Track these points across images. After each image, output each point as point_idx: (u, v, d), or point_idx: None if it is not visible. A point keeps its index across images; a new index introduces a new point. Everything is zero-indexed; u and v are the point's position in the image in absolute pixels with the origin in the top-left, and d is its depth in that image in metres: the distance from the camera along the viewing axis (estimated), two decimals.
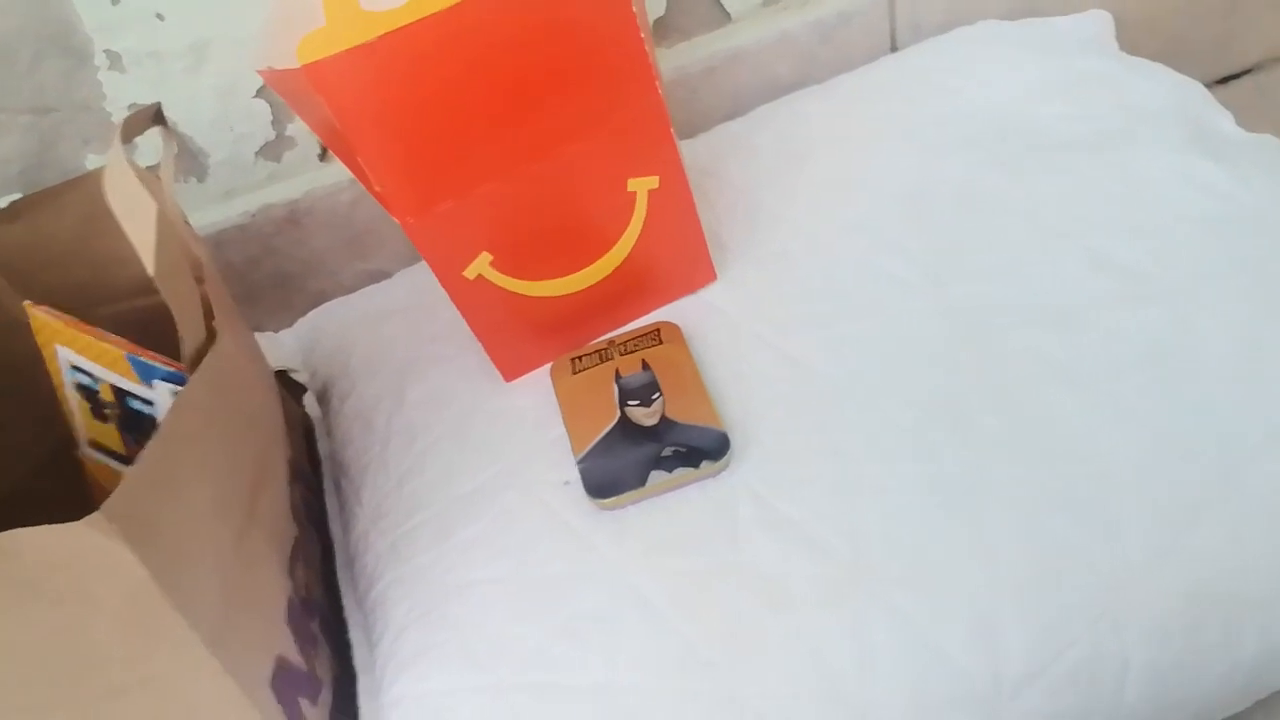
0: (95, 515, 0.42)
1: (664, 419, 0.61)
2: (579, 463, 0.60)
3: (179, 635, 0.47)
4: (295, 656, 0.57)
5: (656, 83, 0.59)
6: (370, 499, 0.66)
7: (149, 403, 0.60)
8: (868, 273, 0.67)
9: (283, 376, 0.82)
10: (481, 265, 0.62)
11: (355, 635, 0.63)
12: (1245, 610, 0.53)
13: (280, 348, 0.84)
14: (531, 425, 0.65)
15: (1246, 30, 1.00)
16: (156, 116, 0.55)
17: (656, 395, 0.62)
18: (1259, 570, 0.53)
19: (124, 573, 0.44)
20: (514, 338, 0.67)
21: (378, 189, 0.57)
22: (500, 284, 0.63)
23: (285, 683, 0.55)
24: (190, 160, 0.79)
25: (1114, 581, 0.52)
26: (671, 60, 0.85)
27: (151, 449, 0.46)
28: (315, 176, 0.83)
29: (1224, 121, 0.74)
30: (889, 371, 0.62)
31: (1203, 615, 0.53)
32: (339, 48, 0.51)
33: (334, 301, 0.84)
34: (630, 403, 0.63)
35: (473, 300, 0.64)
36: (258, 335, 0.83)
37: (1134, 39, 0.84)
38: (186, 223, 0.64)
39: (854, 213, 0.72)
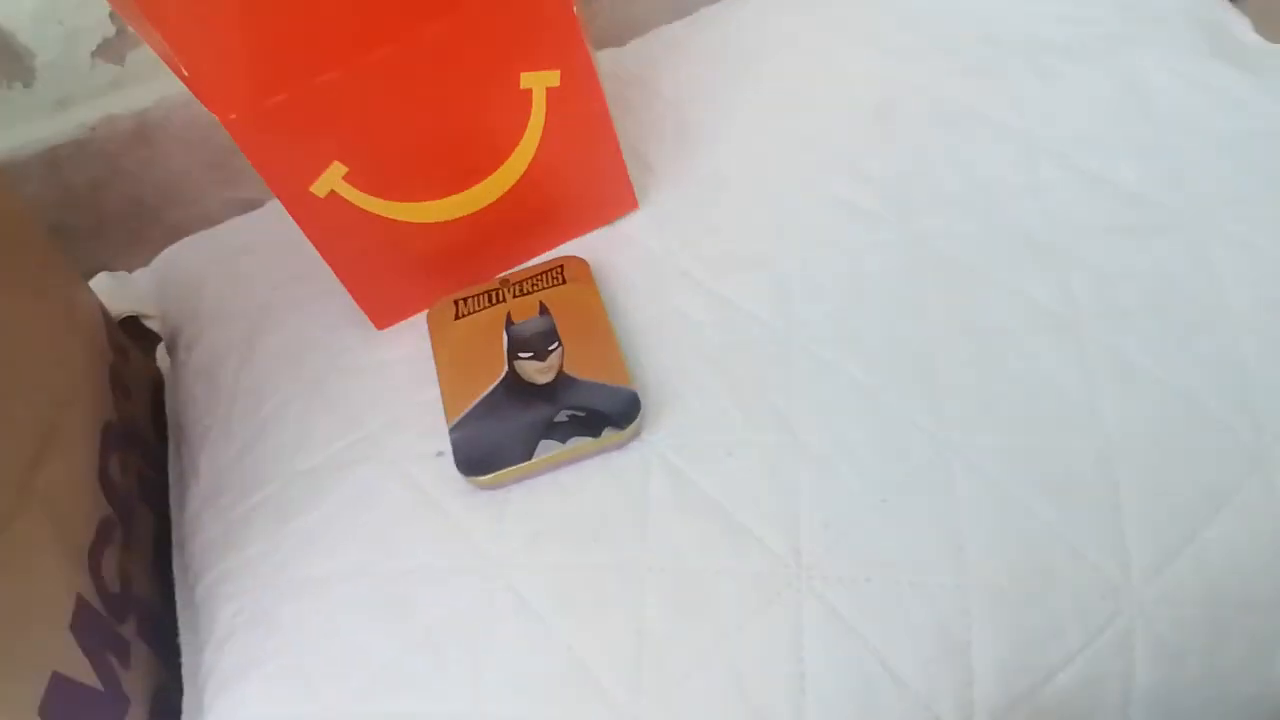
0: None
1: (561, 375, 0.49)
2: (452, 430, 0.48)
3: None
4: (83, 672, 0.45)
5: None
6: (208, 471, 0.54)
7: None
8: (820, 201, 0.55)
9: (133, 324, 0.69)
10: (333, 179, 0.49)
11: (186, 637, 0.51)
12: (1277, 620, 0.42)
13: (132, 289, 0.71)
14: (402, 383, 0.53)
15: None
16: None
17: (554, 346, 0.50)
18: None
19: None
20: (384, 274, 0.54)
21: (185, 74, 0.44)
22: (359, 204, 0.51)
23: (64, 707, 0.43)
24: (12, 62, 0.65)
25: (1116, 586, 0.42)
26: None
27: None
28: (168, 83, 0.68)
29: (1242, 28, 0.62)
30: (842, 319, 0.50)
31: (1225, 627, 0.42)
32: None
33: (195, 235, 0.71)
34: (521, 355, 0.50)
35: (325, 225, 0.51)
36: (107, 275, 0.70)
37: None
38: None
39: (805, 129, 0.59)
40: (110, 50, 0.67)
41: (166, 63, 0.45)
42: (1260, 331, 0.46)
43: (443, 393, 0.50)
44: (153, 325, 0.69)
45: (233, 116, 0.46)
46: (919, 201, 0.54)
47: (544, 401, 0.48)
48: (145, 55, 0.68)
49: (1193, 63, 0.57)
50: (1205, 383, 0.45)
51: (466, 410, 0.49)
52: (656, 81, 0.65)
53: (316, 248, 0.52)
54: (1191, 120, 0.54)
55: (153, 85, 0.68)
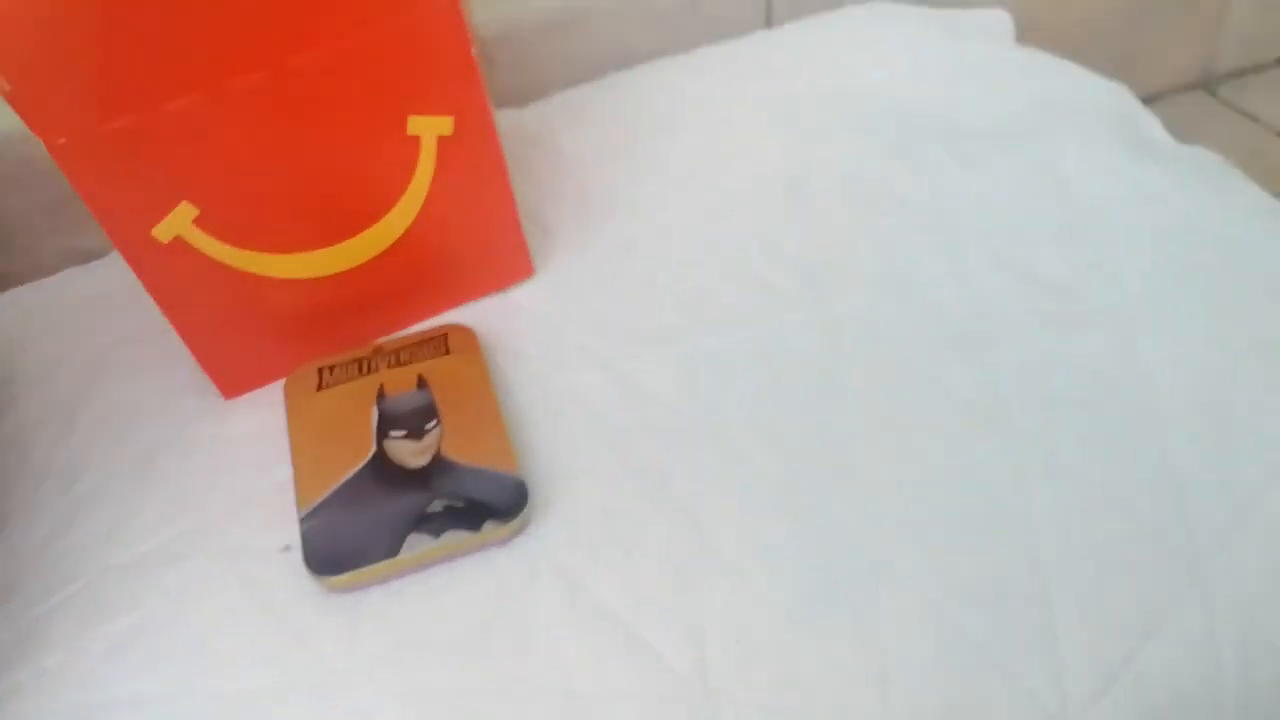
0: None
1: (438, 459, 0.43)
2: (303, 520, 0.41)
3: None
4: None
5: None
6: (2, 562, 0.45)
7: None
8: (731, 274, 0.51)
9: None
10: (180, 222, 0.42)
11: None
12: None
13: None
14: (249, 463, 0.45)
15: (1152, 54, 0.91)
16: None
17: (432, 424, 0.44)
18: (1232, 679, 0.39)
19: None
20: (237, 336, 0.47)
21: (5, 87, 0.37)
22: (210, 253, 0.44)
23: None
24: None
25: (1053, 716, 0.37)
26: (498, 9, 0.68)
27: None
28: (3, 115, 0.60)
29: (1154, 127, 0.62)
30: (755, 403, 0.45)
31: None
32: None
33: (22, 287, 0.62)
34: (393, 433, 0.44)
35: (168, 275, 0.44)
36: None
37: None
38: None
39: (717, 200, 0.56)
40: None
41: None
42: (1193, 434, 0.43)
43: (295, 475, 0.43)
44: None
45: (61, 141, 0.39)
46: (837, 282, 0.50)
47: (416, 489, 0.42)
48: None
49: (1109, 156, 0.56)
50: (1139, 486, 0.42)
51: (323, 497, 0.42)
52: (558, 143, 0.61)
53: (156, 301, 0.45)
54: (1110, 212, 0.52)
55: None
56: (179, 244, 0.43)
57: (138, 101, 0.39)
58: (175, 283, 0.44)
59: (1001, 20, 0.73)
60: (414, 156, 0.46)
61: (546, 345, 0.49)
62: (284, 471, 0.44)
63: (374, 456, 0.43)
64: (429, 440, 0.43)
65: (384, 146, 0.45)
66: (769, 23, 0.75)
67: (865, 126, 0.59)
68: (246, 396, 0.49)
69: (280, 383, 0.48)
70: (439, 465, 0.42)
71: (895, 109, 0.60)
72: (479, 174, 0.48)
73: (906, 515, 0.41)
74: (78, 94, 0.38)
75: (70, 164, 0.40)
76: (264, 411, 0.47)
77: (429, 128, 0.45)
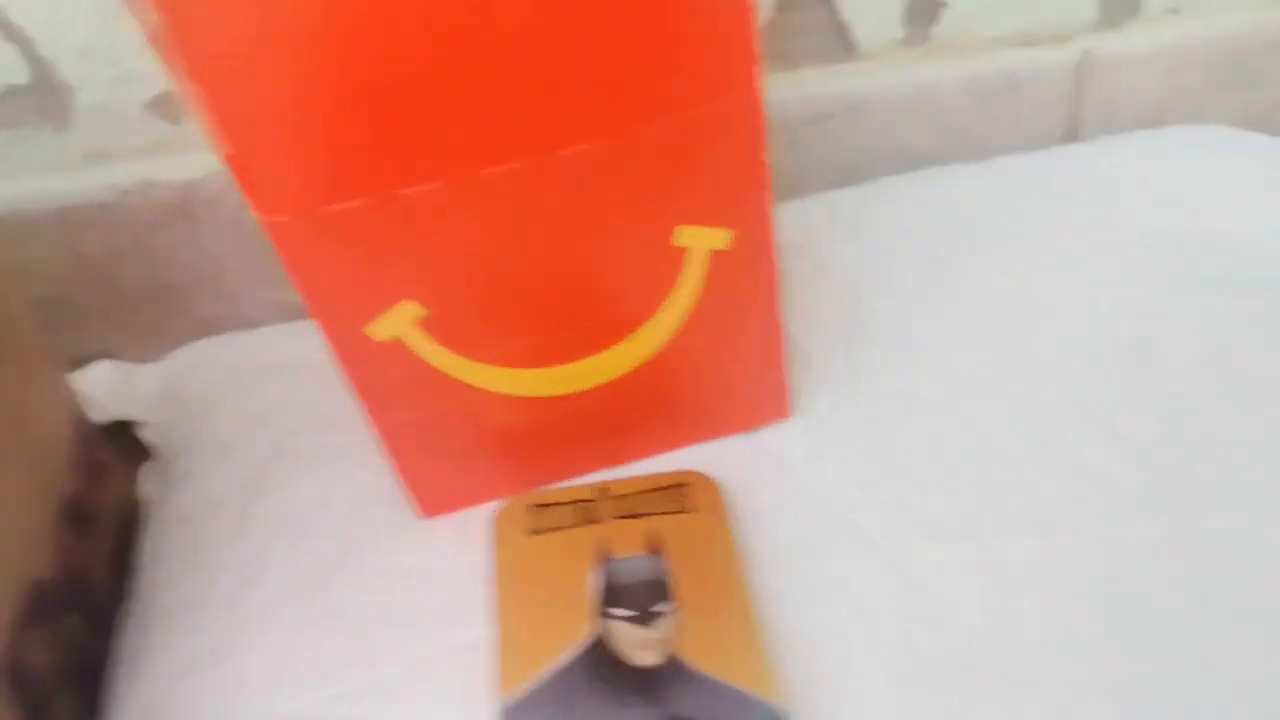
0: None
1: (673, 661, 0.33)
2: (504, 713, 0.32)
3: None
4: None
5: (757, 75, 0.34)
6: (159, 674, 0.38)
7: None
8: (1050, 455, 0.40)
9: (124, 431, 0.55)
10: (399, 322, 0.35)
11: None
12: None
13: (135, 386, 0.57)
14: (438, 608, 0.37)
15: None
16: None
17: (664, 608, 0.35)
18: None
19: None
20: (444, 451, 0.40)
21: (228, 149, 0.31)
22: (429, 359, 0.36)
23: None
24: (46, 98, 0.54)
25: None
26: (766, 93, 0.60)
27: None
28: None
29: None
30: (1095, 649, 0.34)
31: None
32: None
33: (222, 336, 0.58)
34: (616, 610, 0.35)
35: (377, 376, 0.37)
36: (108, 365, 0.57)
37: None
38: None
39: (1027, 351, 0.45)
40: (166, 106, 0.55)
41: (207, 132, 0.32)
42: None
43: (500, 649, 0.34)
44: (148, 437, 0.55)
45: (282, 219, 0.32)
46: (1196, 489, 0.39)
47: (642, 699, 0.32)
48: None
49: None
50: None
51: (528, 688, 0.33)
52: (824, 257, 0.52)
53: (363, 405, 0.38)
54: None
55: (210, 156, 0.56)
56: (395, 345, 0.36)
57: (371, 183, 0.32)
58: (385, 386, 0.37)
59: None
60: (676, 269, 0.37)
61: (806, 514, 0.40)
62: (478, 629, 0.36)
63: (594, 643, 0.34)
64: (660, 629, 0.34)
65: (646, 256, 0.36)
66: (1073, 136, 0.64)
67: (1218, 282, 0.47)
68: (444, 518, 0.41)
69: (480, 509, 0.40)
70: (673, 670, 0.33)
71: (1255, 263, 0.48)
72: (748, 297, 0.39)
73: None
74: (304, 168, 0.32)
75: (286, 244, 0.33)
76: (463, 542, 0.40)
77: (701, 240, 0.37)
